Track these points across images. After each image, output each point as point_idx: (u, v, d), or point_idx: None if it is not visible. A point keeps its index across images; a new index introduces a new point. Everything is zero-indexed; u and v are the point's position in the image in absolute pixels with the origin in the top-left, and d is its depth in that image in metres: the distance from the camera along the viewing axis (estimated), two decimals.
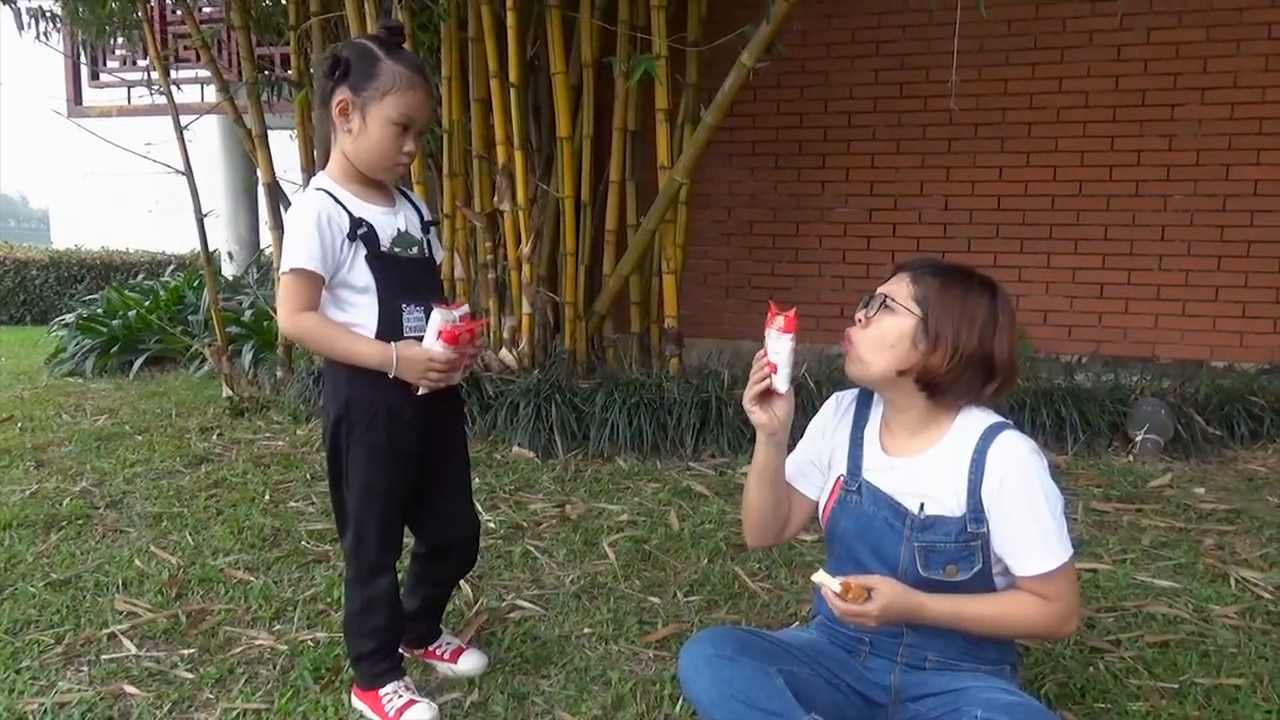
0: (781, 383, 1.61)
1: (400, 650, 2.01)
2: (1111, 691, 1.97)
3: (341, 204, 1.80)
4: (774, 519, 1.78)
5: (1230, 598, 2.46)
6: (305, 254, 1.76)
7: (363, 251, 1.80)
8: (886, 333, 1.61)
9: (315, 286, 1.79)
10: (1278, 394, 3.98)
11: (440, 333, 1.79)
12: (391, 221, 1.86)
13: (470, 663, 2.08)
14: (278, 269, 1.89)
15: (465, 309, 1.85)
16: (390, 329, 1.82)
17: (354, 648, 1.93)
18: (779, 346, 1.60)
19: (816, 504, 1.81)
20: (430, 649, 2.11)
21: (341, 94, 1.78)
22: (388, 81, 1.76)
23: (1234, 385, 4.06)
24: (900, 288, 1.63)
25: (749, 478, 1.76)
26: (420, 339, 1.83)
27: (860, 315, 1.66)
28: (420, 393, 1.82)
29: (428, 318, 1.84)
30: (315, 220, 1.77)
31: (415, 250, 1.89)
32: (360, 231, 1.80)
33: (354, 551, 1.89)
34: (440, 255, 1.99)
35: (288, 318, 1.79)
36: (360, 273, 1.81)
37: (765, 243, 5.20)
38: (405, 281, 1.85)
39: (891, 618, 1.55)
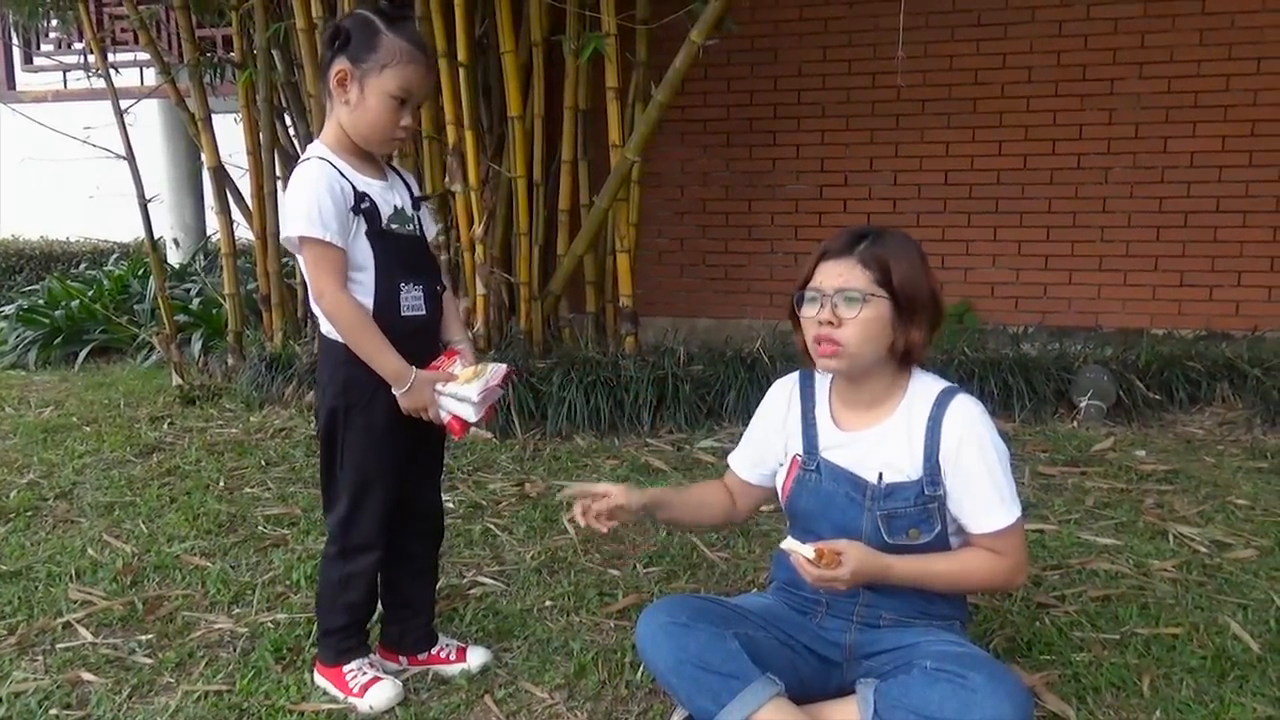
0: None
1: (403, 663, 1.99)
2: (1056, 644, 2.04)
3: (344, 175, 1.78)
4: (710, 519, 1.95)
5: (1169, 553, 2.56)
6: (320, 223, 1.72)
7: (363, 227, 1.78)
8: (870, 323, 1.63)
9: (342, 258, 1.75)
10: (1214, 359, 4.10)
11: (454, 417, 1.80)
12: (389, 198, 1.83)
13: (479, 657, 2.01)
14: (285, 235, 1.80)
15: (491, 401, 1.83)
16: (387, 307, 1.79)
17: (325, 621, 1.92)
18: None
19: (772, 488, 1.87)
20: (433, 653, 2.01)
21: (340, 64, 1.75)
22: (387, 54, 1.73)
23: (1173, 351, 4.18)
24: (856, 276, 1.64)
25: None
26: (418, 317, 1.82)
27: (823, 316, 1.64)
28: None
29: (425, 297, 1.84)
30: (327, 188, 1.73)
31: (410, 227, 1.87)
32: (363, 206, 1.77)
33: (341, 527, 1.86)
34: (432, 231, 1.97)
35: (331, 293, 1.74)
36: (360, 248, 1.78)
37: (718, 220, 5.23)
38: (403, 260, 1.83)
39: (861, 580, 1.59)
